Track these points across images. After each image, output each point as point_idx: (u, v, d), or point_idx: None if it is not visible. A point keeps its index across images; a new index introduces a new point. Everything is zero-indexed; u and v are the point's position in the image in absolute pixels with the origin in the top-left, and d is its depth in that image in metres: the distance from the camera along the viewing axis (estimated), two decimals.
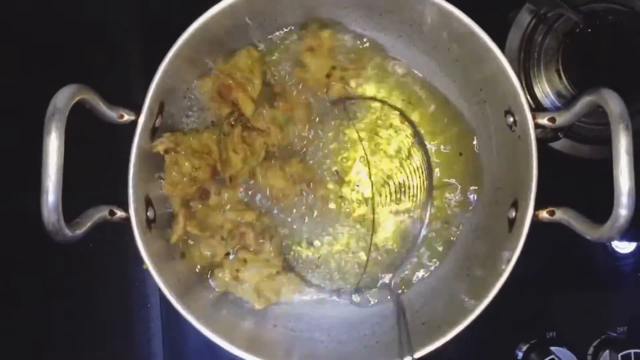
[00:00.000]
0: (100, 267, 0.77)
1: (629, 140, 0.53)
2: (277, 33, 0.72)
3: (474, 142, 0.73)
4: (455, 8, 0.61)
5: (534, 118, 0.61)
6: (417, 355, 0.63)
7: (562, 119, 0.61)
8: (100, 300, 0.78)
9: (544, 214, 0.61)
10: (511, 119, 0.64)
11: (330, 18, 0.71)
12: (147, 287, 0.77)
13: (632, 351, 0.74)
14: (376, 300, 0.73)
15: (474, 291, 0.64)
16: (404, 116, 0.74)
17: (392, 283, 0.73)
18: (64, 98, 0.54)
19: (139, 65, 0.77)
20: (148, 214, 0.65)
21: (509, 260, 0.61)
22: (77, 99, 0.56)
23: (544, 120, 0.61)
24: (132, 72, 0.77)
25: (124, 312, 0.78)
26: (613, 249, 0.79)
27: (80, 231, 0.58)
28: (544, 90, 0.77)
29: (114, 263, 0.77)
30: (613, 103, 0.54)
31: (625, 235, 0.75)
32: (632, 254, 0.79)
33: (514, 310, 0.77)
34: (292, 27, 0.72)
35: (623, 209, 0.53)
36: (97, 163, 0.73)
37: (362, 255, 0.74)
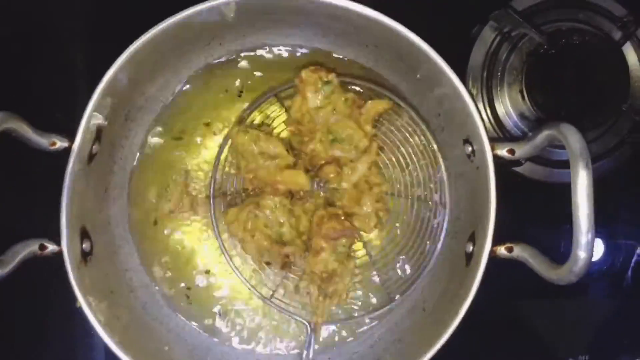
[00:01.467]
0: (40, 294, 0.73)
1: (589, 179, 0.50)
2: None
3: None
4: (410, 32, 0.58)
5: (492, 149, 0.58)
6: None
7: (521, 151, 0.58)
8: (42, 326, 0.74)
9: (502, 250, 0.58)
10: (470, 148, 0.61)
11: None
12: (90, 326, 0.73)
13: None
14: None
15: (431, 326, 0.62)
16: None
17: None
18: None
19: (82, 82, 0.73)
20: (83, 246, 0.61)
21: (466, 296, 0.58)
22: (2, 128, 0.52)
23: (502, 152, 0.58)
24: (68, 94, 0.72)
25: (65, 341, 0.75)
26: None
27: (5, 270, 0.55)
28: (507, 110, 0.74)
29: (56, 289, 0.72)
30: (572, 139, 0.51)
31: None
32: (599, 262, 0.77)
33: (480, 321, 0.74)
34: None
35: (582, 251, 0.51)
36: (28, 192, 0.69)
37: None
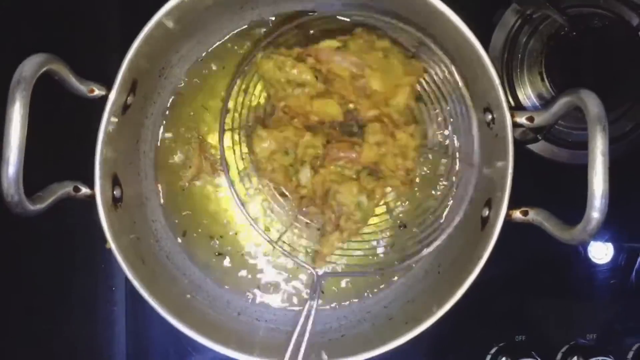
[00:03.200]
0: (64, 247, 0.76)
1: (606, 142, 0.52)
2: None
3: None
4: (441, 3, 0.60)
5: (512, 116, 0.60)
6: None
7: (540, 118, 0.60)
8: (63, 281, 0.76)
9: (517, 214, 0.60)
10: (489, 117, 0.63)
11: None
12: (112, 269, 0.76)
13: (600, 358, 0.74)
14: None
15: (444, 288, 0.63)
16: None
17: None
18: (30, 67, 0.52)
19: (115, 36, 0.75)
20: (114, 192, 0.63)
21: (479, 259, 0.60)
22: (44, 69, 0.54)
23: (522, 119, 0.60)
24: (108, 44, 0.74)
25: (87, 293, 0.76)
26: (589, 259, 0.78)
27: (41, 205, 0.56)
28: (526, 92, 0.76)
29: (79, 244, 0.75)
30: (591, 104, 0.53)
31: (602, 236, 0.77)
32: (608, 265, 0.78)
33: (485, 312, 0.76)
34: None
35: (595, 212, 0.52)
36: (65, 137, 0.72)
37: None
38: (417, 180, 0.71)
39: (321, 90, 0.65)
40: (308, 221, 0.70)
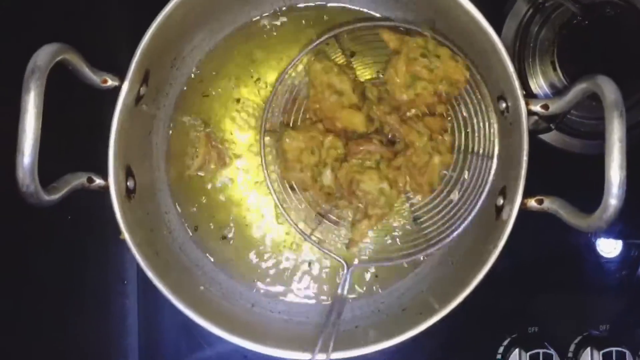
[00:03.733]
0: (77, 239, 0.76)
1: (623, 128, 0.52)
2: None
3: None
4: None
5: (527, 104, 0.60)
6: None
7: (555, 106, 0.60)
8: (75, 273, 0.76)
9: (532, 203, 0.60)
10: (504, 105, 0.63)
11: None
12: (125, 261, 0.75)
13: (613, 349, 0.73)
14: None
15: (458, 278, 0.63)
16: None
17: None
18: (45, 56, 0.52)
19: (127, 26, 0.75)
20: (128, 183, 0.63)
21: (494, 248, 0.60)
22: (58, 58, 0.54)
23: (536, 107, 0.60)
24: (120, 34, 0.74)
25: (99, 286, 0.77)
26: (598, 253, 0.78)
27: (56, 196, 0.56)
28: (538, 82, 0.76)
29: (92, 236, 0.75)
30: (608, 90, 0.53)
31: (612, 232, 0.76)
32: (617, 259, 0.78)
33: (498, 304, 0.76)
34: None
35: (613, 199, 0.52)
36: (78, 128, 0.72)
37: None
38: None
39: (354, 102, 0.69)
40: (334, 218, 0.72)
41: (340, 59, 0.72)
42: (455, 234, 0.66)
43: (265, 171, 0.70)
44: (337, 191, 0.70)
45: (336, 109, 0.68)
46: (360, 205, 0.69)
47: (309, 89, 0.70)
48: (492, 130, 0.65)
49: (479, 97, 0.67)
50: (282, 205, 0.70)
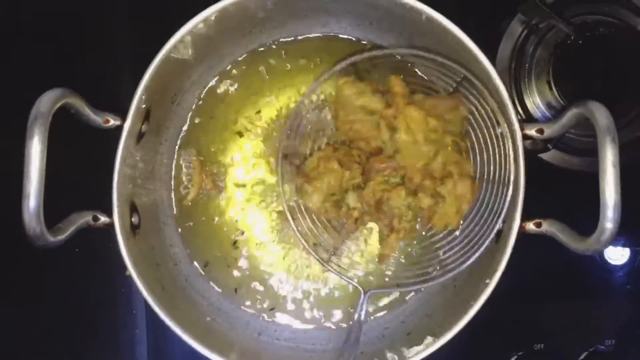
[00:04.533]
0: (85, 272, 0.77)
1: (616, 152, 0.52)
2: None
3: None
4: (447, 19, 0.60)
5: (522, 129, 0.61)
6: None
7: (550, 130, 0.61)
8: (85, 305, 0.77)
9: (530, 226, 0.61)
10: (500, 130, 0.63)
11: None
12: (133, 292, 0.77)
13: None
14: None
15: (461, 302, 0.63)
16: None
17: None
18: (47, 102, 0.54)
19: (127, 66, 0.76)
20: (132, 219, 0.64)
21: (495, 272, 0.61)
22: (60, 103, 0.55)
23: (532, 132, 0.61)
24: (121, 74, 0.76)
25: (108, 318, 0.78)
26: (605, 260, 0.78)
27: (62, 237, 0.57)
28: (535, 102, 0.76)
29: (100, 268, 0.76)
30: (600, 115, 0.54)
31: (618, 241, 0.77)
32: (624, 265, 0.78)
33: (502, 321, 0.76)
34: None
35: (609, 222, 0.52)
36: (81, 167, 0.73)
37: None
38: None
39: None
40: (354, 241, 0.73)
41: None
42: (471, 260, 0.66)
43: (283, 198, 0.70)
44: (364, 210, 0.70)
45: (372, 128, 0.69)
46: (387, 220, 0.70)
47: (337, 111, 0.70)
48: (508, 157, 0.64)
49: (494, 124, 0.66)
50: (298, 230, 0.70)
